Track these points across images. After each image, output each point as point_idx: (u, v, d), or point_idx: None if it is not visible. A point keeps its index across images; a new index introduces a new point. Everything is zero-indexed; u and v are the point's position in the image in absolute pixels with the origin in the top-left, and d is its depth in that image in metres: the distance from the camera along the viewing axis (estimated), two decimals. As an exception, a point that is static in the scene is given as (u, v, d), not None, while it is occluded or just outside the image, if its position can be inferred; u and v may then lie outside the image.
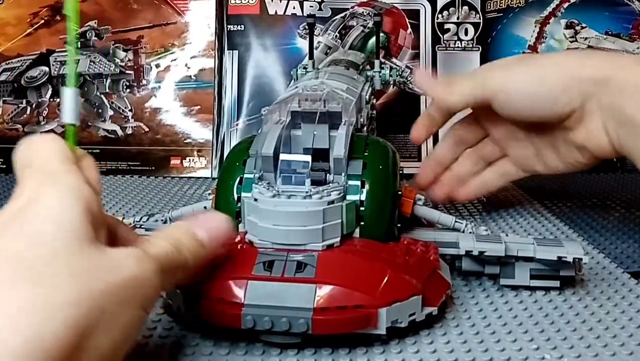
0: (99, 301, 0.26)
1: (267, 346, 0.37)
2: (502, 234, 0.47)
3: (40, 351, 0.24)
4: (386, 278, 0.37)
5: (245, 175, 0.43)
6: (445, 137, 0.59)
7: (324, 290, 0.36)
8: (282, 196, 0.38)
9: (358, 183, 0.42)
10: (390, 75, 0.59)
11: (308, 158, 0.40)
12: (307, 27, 0.63)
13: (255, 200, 0.39)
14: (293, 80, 0.62)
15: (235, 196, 0.43)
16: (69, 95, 0.36)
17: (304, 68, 0.63)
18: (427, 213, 0.47)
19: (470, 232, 0.47)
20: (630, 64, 0.48)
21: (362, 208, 0.41)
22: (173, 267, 0.32)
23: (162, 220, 0.48)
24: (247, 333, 0.36)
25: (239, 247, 0.39)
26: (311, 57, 0.62)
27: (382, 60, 0.64)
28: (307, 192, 0.39)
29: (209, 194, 0.49)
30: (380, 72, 0.59)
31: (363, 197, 0.41)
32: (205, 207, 0.48)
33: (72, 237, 0.28)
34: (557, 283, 0.44)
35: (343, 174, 0.41)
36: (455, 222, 0.48)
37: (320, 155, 0.42)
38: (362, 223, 0.41)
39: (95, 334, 0.26)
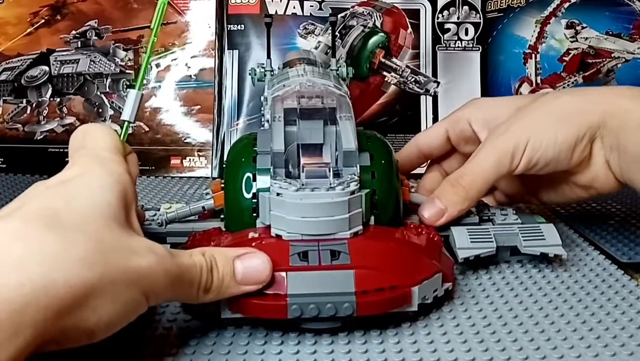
0: (110, 274, 0.30)
1: (268, 344, 0.38)
2: (489, 224, 0.50)
3: (52, 289, 0.27)
4: (414, 259, 0.41)
5: (261, 172, 0.44)
6: (432, 168, 0.59)
7: (362, 274, 0.38)
8: (306, 189, 0.40)
9: (369, 174, 0.44)
10: (347, 74, 0.61)
11: (328, 159, 0.44)
12: (266, 26, 0.65)
13: (278, 194, 0.40)
14: (253, 80, 0.63)
15: (245, 193, 0.44)
16: (133, 96, 0.41)
17: (263, 67, 0.63)
18: (420, 199, 0.50)
19: None
20: (622, 99, 0.47)
21: (375, 197, 0.44)
22: (194, 281, 0.35)
23: (158, 223, 0.48)
24: (281, 322, 0.38)
25: (263, 242, 0.41)
26: (269, 56, 0.64)
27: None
28: (330, 184, 0.41)
29: (207, 194, 0.49)
30: (337, 69, 0.60)
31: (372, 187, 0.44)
32: (203, 207, 0.48)
33: (104, 213, 0.32)
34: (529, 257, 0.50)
35: (356, 166, 0.43)
36: None
37: (313, 149, 0.45)
38: (376, 211, 0.44)
39: (100, 298, 0.29)
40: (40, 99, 0.83)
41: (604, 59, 0.84)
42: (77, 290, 0.28)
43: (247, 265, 0.37)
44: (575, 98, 0.50)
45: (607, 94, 0.49)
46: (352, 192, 0.40)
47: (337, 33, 0.83)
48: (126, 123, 0.41)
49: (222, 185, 0.47)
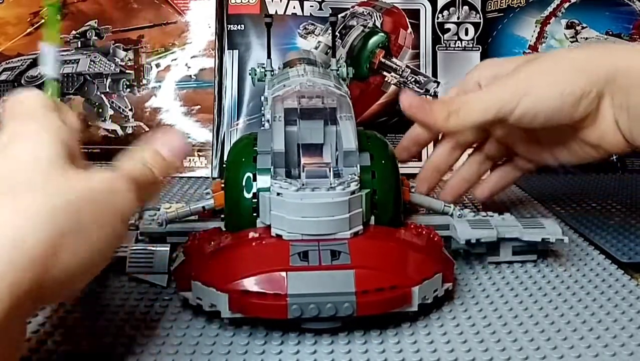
0: (74, 206, 0.30)
1: (268, 344, 0.38)
2: (489, 217, 0.50)
3: (24, 249, 0.28)
4: (414, 259, 0.41)
5: (261, 171, 0.44)
6: (442, 142, 0.57)
7: (362, 274, 0.38)
8: (306, 189, 0.40)
9: (369, 174, 0.44)
10: (347, 74, 0.61)
11: (328, 159, 0.44)
12: (266, 26, 0.65)
13: (279, 194, 0.40)
14: (253, 80, 0.64)
15: (246, 192, 0.44)
16: (50, 51, 0.40)
17: (263, 67, 0.64)
18: (420, 200, 0.51)
19: (459, 215, 0.51)
20: (635, 55, 0.47)
21: (375, 197, 0.44)
22: (145, 182, 0.36)
23: (158, 222, 0.48)
24: (284, 323, 0.38)
25: (264, 242, 0.41)
26: (269, 56, 0.65)
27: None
28: (330, 184, 0.41)
29: (207, 194, 0.49)
30: (337, 69, 0.60)
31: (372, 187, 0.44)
32: (203, 207, 0.48)
33: (48, 163, 0.31)
34: (534, 257, 0.50)
35: (357, 166, 0.43)
36: (445, 206, 0.51)
37: (314, 149, 0.45)
38: (376, 211, 0.44)
39: (74, 237, 0.30)
40: (40, 99, 0.83)
41: (604, 59, 0.84)
42: (48, 241, 0.29)
43: (170, 147, 0.38)
44: (586, 51, 0.49)
45: (620, 50, 0.48)
46: (353, 192, 0.41)
47: (337, 33, 0.83)
48: (54, 81, 0.40)
49: (223, 185, 0.47)
